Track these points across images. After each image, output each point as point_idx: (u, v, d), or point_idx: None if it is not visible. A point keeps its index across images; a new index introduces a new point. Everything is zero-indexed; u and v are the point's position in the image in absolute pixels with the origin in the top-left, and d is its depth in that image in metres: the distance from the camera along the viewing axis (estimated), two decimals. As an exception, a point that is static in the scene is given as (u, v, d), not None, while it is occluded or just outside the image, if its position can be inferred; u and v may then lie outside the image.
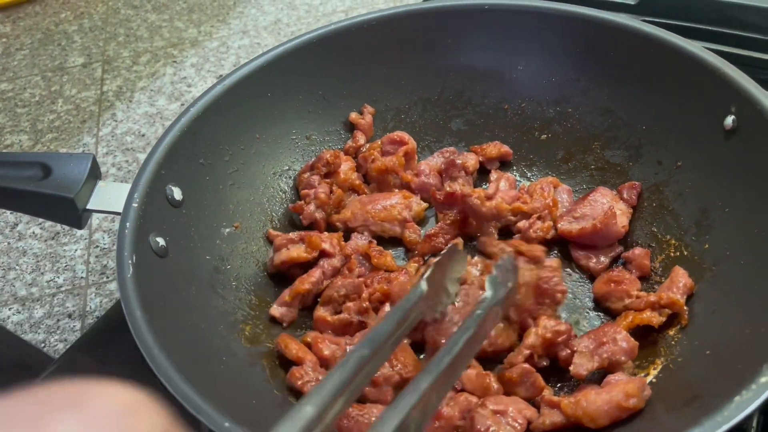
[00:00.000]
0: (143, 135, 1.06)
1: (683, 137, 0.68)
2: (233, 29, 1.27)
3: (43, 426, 0.19)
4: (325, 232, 0.70)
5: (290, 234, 0.69)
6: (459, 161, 0.74)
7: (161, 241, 0.60)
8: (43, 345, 0.78)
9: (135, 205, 0.59)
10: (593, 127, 0.76)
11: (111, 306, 0.77)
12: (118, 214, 0.59)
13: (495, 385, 0.57)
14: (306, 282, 0.64)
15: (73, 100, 1.15)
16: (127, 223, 0.58)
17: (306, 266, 0.67)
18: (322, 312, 0.63)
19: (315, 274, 0.65)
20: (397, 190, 0.75)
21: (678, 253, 0.65)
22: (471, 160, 0.76)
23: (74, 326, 0.80)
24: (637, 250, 0.66)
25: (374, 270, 0.67)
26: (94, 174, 0.62)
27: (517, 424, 0.53)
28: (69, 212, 0.60)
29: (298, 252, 0.66)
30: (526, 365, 0.57)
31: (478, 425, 0.51)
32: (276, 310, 0.65)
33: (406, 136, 0.78)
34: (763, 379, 0.42)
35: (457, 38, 0.80)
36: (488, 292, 0.52)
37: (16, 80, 1.22)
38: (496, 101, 0.81)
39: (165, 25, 1.31)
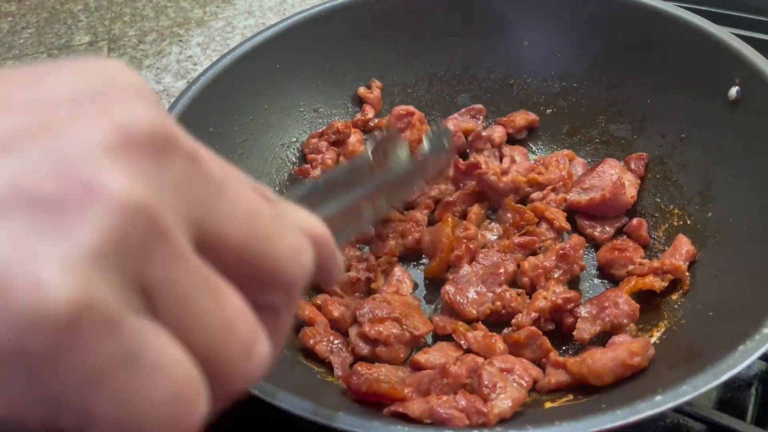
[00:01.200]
0: (149, 112, 1.06)
1: (687, 110, 0.69)
2: (239, 9, 1.28)
3: (39, 81, 0.21)
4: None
5: None
6: (485, 133, 0.75)
7: (173, 204, 0.61)
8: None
9: (148, 168, 0.60)
10: (598, 102, 0.77)
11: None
12: (131, 177, 0.60)
13: (501, 346, 0.58)
14: None
15: (79, 78, 1.15)
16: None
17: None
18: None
19: None
20: None
21: (681, 222, 0.66)
22: (498, 133, 0.76)
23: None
24: (635, 221, 0.67)
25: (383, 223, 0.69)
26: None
27: (524, 382, 0.54)
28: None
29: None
30: (534, 327, 0.59)
31: (485, 381, 0.52)
32: None
33: (410, 107, 0.79)
34: (766, 330, 0.44)
35: (463, 14, 0.81)
36: (426, 145, 0.61)
37: (23, 58, 1.22)
38: (501, 77, 0.82)
39: (170, 5, 1.32)
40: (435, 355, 0.58)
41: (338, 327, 0.62)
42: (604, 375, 0.52)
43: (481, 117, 0.81)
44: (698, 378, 0.42)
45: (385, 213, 0.53)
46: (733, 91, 0.64)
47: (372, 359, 0.59)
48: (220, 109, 0.71)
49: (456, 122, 0.80)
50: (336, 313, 0.61)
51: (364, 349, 0.59)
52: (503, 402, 0.51)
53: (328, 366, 0.59)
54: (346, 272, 0.66)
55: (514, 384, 0.54)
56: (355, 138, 0.78)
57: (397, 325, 0.59)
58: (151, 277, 0.19)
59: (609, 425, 0.40)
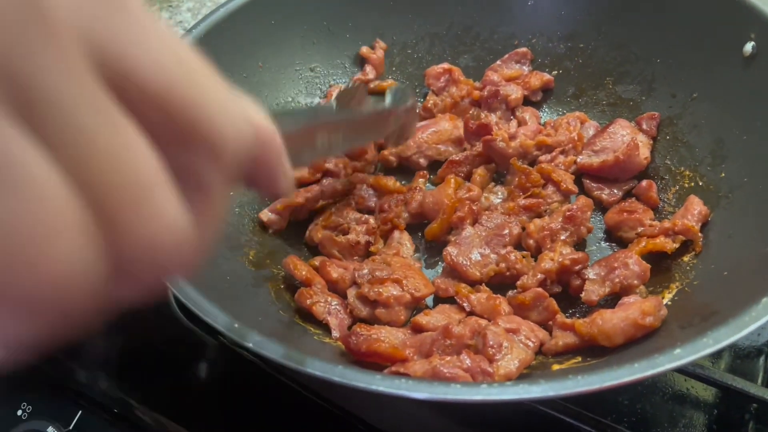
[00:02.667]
0: (138, 77, 1.03)
1: (699, 68, 0.66)
2: (231, -25, 1.24)
3: None
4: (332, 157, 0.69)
5: None
6: (503, 92, 0.72)
7: (163, 159, 0.58)
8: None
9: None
10: (605, 63, 0.75)
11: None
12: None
13: (506, 308, 0.56)
14: (301, 195, 0.63)
15: (66, 43, 1.12)
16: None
17: (310, 188, 0.66)
18: (328, 232, 0.62)
19: (313, 189, 0.65)
20: (440, 115, 0.74)
21: (692, 184, 0.64)
22: (514, 94, 0.73)
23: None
24: (644, 183, 0.65)
25: (384, 195, 0.66)
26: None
27: (530, 342, 0.52)
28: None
29: (301, 173, 0.64)
30: (540, 289, 0.56)
31: (490, 341, 0.50)
32: (265, 215, 0.64)
33: (446, 64, 0.77)
34: (790, 281, 0.41)
35: (466, -29, 0.78)
36: (388, 99, 0.60)
37: (6, 23, 1.18)
38: (505, 37, 0.79)
39: (160, -30, 1.27)
40: (437, 317, 0.56)
41: (336, 289, 0.59)
42: (614, 335, 0.50)
43: (526, 61, 0.78)
44: (720, 330, 0.39)
45: (339, 150, 0.52)
46: (749, 46, 0.61)
47: (371, 321, 0.57)
48: (211, 64, 0.68)
49: (499, 69, 0.76)
50: (334, 275, 0.59)
51: (363, 310, 0.57)
52: (510, 362, 0.49)
53: (326, 328, 0.56)
54: (344, 235, 0.63)
55: (521, 345, 0.51)
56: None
57: (397, 287, 0.57)
58: (29, 75, 0.15)
59: (627, 379, 0.38)
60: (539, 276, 0.57)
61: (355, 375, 0.39)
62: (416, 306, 0.58)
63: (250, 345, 0.41)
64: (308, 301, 0.56)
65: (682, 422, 0.57)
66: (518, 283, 0.58)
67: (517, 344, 0.51)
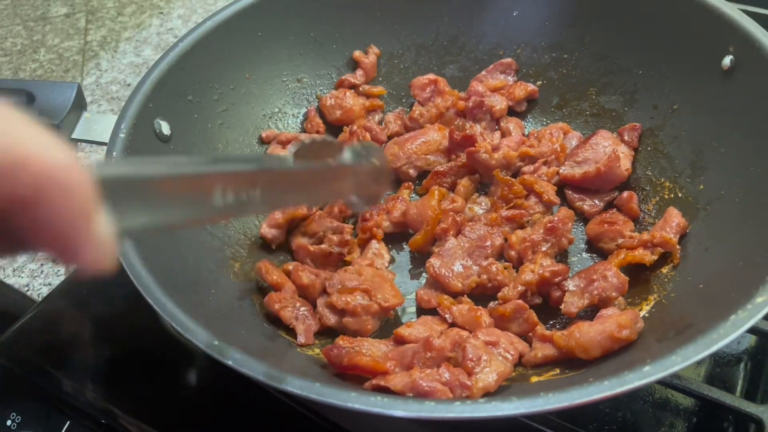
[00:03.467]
0: (129, 85, 1.03)
1: (680, 80, 0.67)
2: (222, -19, 1.24)
3: None
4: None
5: None
6: (488, 103, 0.73)
7: (148, 173, 0.58)
8: (26, 289, 0.77)
9: (122, 135, 0.57)
10: (589, 73, 0.75)
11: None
12: (104, 144, 0.58)
13: (487, 319, 0.57)
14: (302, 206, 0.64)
15: (56, 50, 1.12)
16: (114, 153, 0.56)
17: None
18: (304, 240, 0.63)
19: None
20: (429, 125, 0.75)
21: (672, 195, 0.64)
22: (499, 105, 0.74)
23: (58, 270, 0.78)
24: (625, 194, 0.66)
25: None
26: (80, 104, 0.60)
27: (509, 355, 0.53)
28: (53, 140, 0.58)
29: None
30: (520, 301, 0.57)
31: (469, 354, 0.50)
32: (267, 231, 0.65)
33: (431, 75, 0.78)
34: (759, 299, 0.42)
35: (452, -18, 0.78)
36: (347, 156, 0.51)
37: (-3, 29, 1.18)
38: (490, 47, 0.80)
39: (151, -24, 1.28)
40: (419, 329, 0.57)
41: (306, 294, 0.60)
42: (591, 348, 0.51)
43: (511, 72, 0.78)
44: (688, 348, 0.40)
45: (259, 209, 0.41)
46: (727, 60, 0.62)
47: (339, 330, 0.58)
48: (199, 77, 0.68)
49: (484, 80, 0.77)
50: (305, 280, 0.60)
51: (331, 319, 0.58)
52: (488, 375, 0.50)
53: (309, 339, 0.57)
54: (318, 245, 0.63)
55: (500, 357, 0.52)
56: (353, 100, 0.76)
57: (365, 296, 0.57)
58: None
59: (596, 396, 0.38)
60: (520, 288, 0.58)
61: (332, 393, 0.39)
62: (385, 316, 0.59)
63: (230, 363, 0.41)
64: (276, 306, 0.56)
65: (662, 430, 0.58)
66: (499, 294, 0.59)
67: (495, 357, 0.52)
